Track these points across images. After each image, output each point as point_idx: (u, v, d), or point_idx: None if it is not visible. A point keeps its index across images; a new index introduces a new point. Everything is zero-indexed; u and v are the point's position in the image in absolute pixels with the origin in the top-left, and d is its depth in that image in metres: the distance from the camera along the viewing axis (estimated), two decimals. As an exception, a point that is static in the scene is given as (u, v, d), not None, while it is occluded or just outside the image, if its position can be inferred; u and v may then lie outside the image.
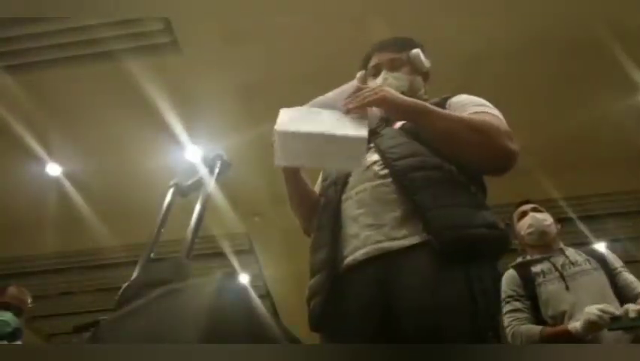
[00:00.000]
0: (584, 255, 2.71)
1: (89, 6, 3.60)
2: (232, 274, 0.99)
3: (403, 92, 1.62)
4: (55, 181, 5.39)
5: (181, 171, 1.50)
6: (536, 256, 2.74)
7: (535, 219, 2.80)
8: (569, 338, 2.37)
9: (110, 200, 5.47)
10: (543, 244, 2.76)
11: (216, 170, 1.40)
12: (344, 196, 1.56)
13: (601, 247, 4.61)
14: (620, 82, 4.46)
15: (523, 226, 2.82)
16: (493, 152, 1.45)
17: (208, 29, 4.12)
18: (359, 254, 1.44)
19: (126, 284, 1.12)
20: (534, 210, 2.87)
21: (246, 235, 6.26)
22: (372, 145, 1.55)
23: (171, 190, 1.40)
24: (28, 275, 6.31)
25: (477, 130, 1.45)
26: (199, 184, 1.35)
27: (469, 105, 1.58)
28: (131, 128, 4.87)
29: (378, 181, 1.50)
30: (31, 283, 6.45)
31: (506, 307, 2.62)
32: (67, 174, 5.39)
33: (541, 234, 2.77)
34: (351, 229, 1.49)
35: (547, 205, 3.18)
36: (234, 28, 4.07)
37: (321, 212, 1.62)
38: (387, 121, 1.69)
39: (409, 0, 3.85)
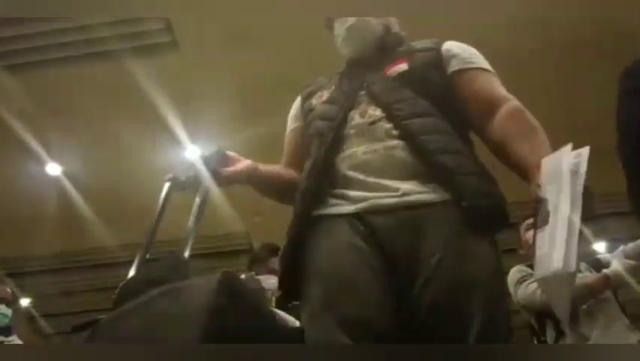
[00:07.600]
0: None
1: (89, 6, 3.60)
2: (232, 274, 0.98)
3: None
4: (55, 181, 5.39)
5: (178, 166, 1.43)
6: None
7: None
8: None
9: (109, 199, 5.46)
10: None
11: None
12: (339, 157, 1.32)
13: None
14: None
15: None
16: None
17: (208, 29, 4.12)
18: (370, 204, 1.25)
19: (123, 283, 1.11)
20: None
21: (246, 234, 6.25)
22: (363, 93, 1.39)
23: (167, 184, 1.35)
24: (27, 275, 6.30)
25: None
26: (197, 182, 1.32)
27: (461, 62, 1.41)
28: (130, 128, 4.86)
29: (391, 142, 1.29)
30: (31, 283, 6.48)
31: None
32: (67, 174, 5.38)
33: None
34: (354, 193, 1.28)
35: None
36: (234, 28, 4.06)
37: (307, 176, 1.35)
38: (371, 64, 1.48)
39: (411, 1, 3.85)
